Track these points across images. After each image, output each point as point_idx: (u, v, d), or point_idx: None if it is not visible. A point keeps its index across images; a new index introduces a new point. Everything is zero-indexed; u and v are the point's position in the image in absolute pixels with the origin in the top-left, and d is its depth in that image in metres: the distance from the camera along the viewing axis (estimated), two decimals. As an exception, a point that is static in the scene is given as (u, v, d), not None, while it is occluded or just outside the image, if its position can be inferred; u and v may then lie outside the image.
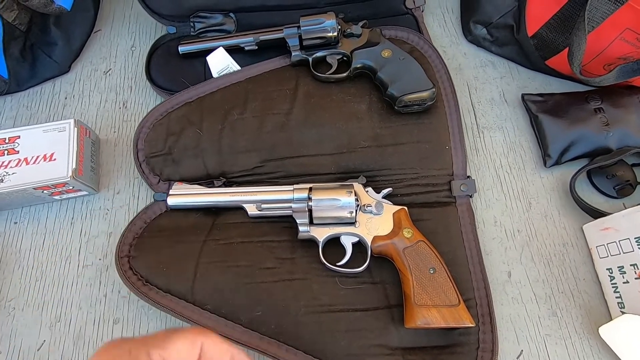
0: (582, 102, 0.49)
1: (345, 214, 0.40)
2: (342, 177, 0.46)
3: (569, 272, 0.45)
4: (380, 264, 0.42)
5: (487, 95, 0.55)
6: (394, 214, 0.41)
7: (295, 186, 0.43)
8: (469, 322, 0.36)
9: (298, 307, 0.39)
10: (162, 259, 0.42)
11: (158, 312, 0.43)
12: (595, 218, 0.45)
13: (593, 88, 0.52)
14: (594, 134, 0.48)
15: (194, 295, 0.40)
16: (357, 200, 0.41)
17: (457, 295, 0.37)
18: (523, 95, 0.53)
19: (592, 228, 0.45)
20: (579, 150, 0.48)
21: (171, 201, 0.44)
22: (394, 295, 0.41)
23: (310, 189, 0.42)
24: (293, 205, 0.42)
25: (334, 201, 0.40)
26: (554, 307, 0.43)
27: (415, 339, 0.39)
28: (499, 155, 0.51)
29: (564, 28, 0.48)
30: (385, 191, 0.43)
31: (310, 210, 0.41)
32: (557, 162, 0.49)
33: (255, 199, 0.43)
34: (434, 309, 0.37)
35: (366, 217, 0.41)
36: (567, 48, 0.47)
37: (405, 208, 0.42)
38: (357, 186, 0.42)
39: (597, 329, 0.40)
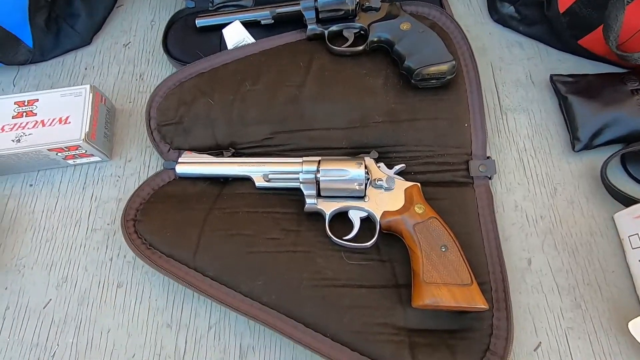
0: (618, 83, 0.46)
1: (354, 186, 0.39)
2: (353, 152, 0.44)
3: (596, 263, 0.41)
4: (390, 242, 0.40)
5: (513, 76, 0.52)
6: (405, 189, 0.39)
7: (305, 158, 0.41)
8: (481, 304, 0.34)
9: (300, 280, 0.38)
10: (167, 224, 0.41)
11: (161, 278, 0.43)
12: (627, 206, 0.41)
13: (628, 70, 0.48)
14: (629, 117, 0.44)
15: (196, 261, 0.40)
16: (367, 174, 0.39)
17: (470, 275, 0.35)
18: (552, 76, 0.49)
19: (625, 216, 0.41)
20: (612, 134, 0.44)
21: (180, 169, 0.44)
22: (403, 275, 0.39)
23: (320, 162, 0.40)
24: (301, 177, 0.40)
25: (342, 172, 0.39)
26: (578, 299, 0.40)
27: (423, 321, 0.37)
28: (523, 138, 0.48)
29: (600, 2, 0.44)
30: (397, 167, 0.41)
31: (318, 182, 0.40)
32: (587, 147, 0.45)
33: (263, 169, 0.42)
34: (444, 287, 0.34)
35: (376, 192, 0.40)
36: (602, 25, 0.44)
37: (419, 184, 0.40)
38: (369, 160, 0.41)
39: (627, 325, 0.36)
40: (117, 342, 0.40)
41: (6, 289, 0.43)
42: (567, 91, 0.47)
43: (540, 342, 0.38)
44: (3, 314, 0.42)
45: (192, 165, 0.44)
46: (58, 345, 0.40)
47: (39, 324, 0.41)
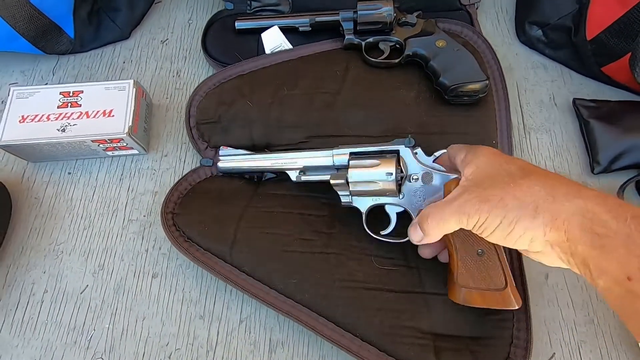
0: (639, 111, 0.48)
1: (385, 186, 0.38)
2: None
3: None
4: (414, 249, 0.41)
5: (537, 97, 0.54)
6: (445, 184, 0.36)
7: (335, 151, 0.41)
8: (511, 305, 0.34)
9: (332, 281, 0.40)
10: (204, 218, 0.43)
11: (195, 271, 0.44)
12: (642, 230, 0.44)
13: (649, 99, 0.50)
14: (648, 144, 0.46)
15: (232, 256, 0.41)
16: (401, 171, 0.38)
17: (505, 277, 0.34)
18: (575, 100, 0.52)
19: (639, 238, 0.43)
20: (631, 160, 0.47)
21: (221, 165, 0.46)
22: (429, 281, 0.41)
23: (349, 160, 0.40)
24: (332, 181, 0.40)
25: (371, 174, 0.38)
26: (591, 315, 0.42)
27: (448, 327, 0.39)
28: (545, 158, 0.50)
29: (627, 33, 0.47)
30: (437, 153, 0.39)
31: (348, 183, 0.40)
32: (606, 170, 0.48)
33: (296, 164, 0.43)
34: (476, 292, 0.35)
35: (413, 188, 0.38)
36: (627, 55, 0.46)
37: (460, 178, 0.36)
38: (404, 151, 0.39)
39: (636, 341, 0.39)
40: (152, 330, 0.42)
41: (44, 272, 0.44)
42: (589, 115, 0.50)
43: (554, 353, 0.41)
44: (42, 297, 0.43)
45: (232, 161, 0.45)
46: (95, 330, 0.42)
47: (76, 308, 0.43)
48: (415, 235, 0.36)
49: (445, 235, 0.36)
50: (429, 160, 0.39)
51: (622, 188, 0.46)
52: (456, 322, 0.39)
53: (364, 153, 0.40)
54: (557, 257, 0.30)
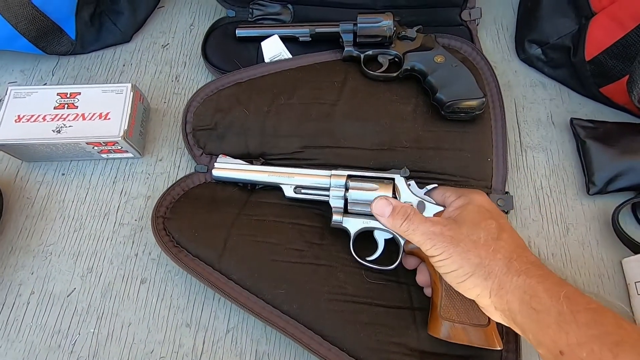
0: (636, 133, 0.48)
1: None
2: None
3: (602, 304, 0.43)
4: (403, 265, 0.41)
5: (534, 115, 0.54)
6: (435, 214, 0.39)
7: (333, 172, 0.42)
8: (495, 345, 0.34)
9: (322, 292, 0.40)
10: (195, 224, 0.43)
11: (183, 278, 0.44)
12: (636, 253, 0.43)
13: (647, 121, 0.50)
14: (644, 167, 0.46)
15: (221, 263, 0.41)
16: (395, 196, 0.40)
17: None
18: (572, 120, 0.51)
19: (633, 263, 0.43)
20: (627, 182, 0.46)
21: (216, 173, 0.45)
22: (418, 299, 0.40)
23: (348, 178, 0.41)
24: (331, 193, 0.41)
25: (370, 193, 0.40)
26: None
27: (435, 345, 0.38)
28: (540, 177, 0.50)
29: (626, 56, 0.47)
30: (429, 187, 0.41)
31: (346, 199, 0.41)
32: (601, 191, 0.47)
33: (293, 180, 0.43)
34: (460, 327, 0.35)
35: None
36: (626, 76, 0.46)
37: None
38: (399, 180, 0.40)
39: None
40: (137, 337, 0.41)
41: (32, 273, 0.44)
42: (586, 136, 0.49)
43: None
44: (27, 299, 0.43)
45: (227, 170, 0.45)
46: (79, 334, 0.41)
47: (62, 311, 0.42)
48: (379, 210, 0.37)
49: (431, 266, 0.37)
50: (420, 192, 0.40)
51: (618, 210, 0.45)
52: (444, 342, 0.38)
53: (362, 177, 0.41)
54: (500, 319, 0.33)
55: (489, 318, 0.35)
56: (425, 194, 0.40)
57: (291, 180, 0.44)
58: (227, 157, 0.46)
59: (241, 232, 0.42)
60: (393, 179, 0.40)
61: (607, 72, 0.49)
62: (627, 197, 0.46)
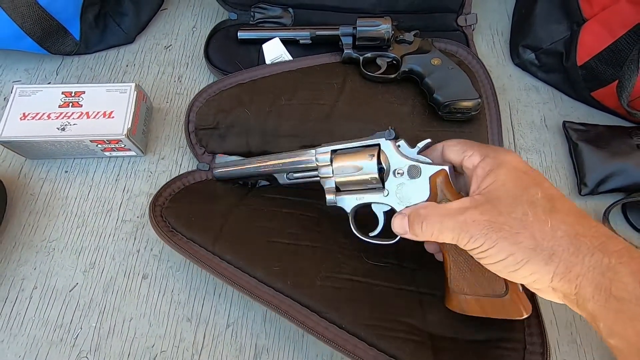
0: (626, 136, 0.49)
1: (369, 180, 0.36)
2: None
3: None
4: (407, 249, 0.38)
5: (528, 118, 0.55)
6: (430, 177, 0.33)
7: (317, 149, 0.39)
8: (516, 315, 0.30)
9: (318, 270, 0.38)
10: (193, 211, 0.43)
11: (184, 273, 0.45)
12: (626, 252, 0.44)
13: (636, 125, 0.52)
14: (634, 169, 0.47)
15: (215, 246, 0.40)
16: (381, 165, 0.35)
17: (505, 283, 0.30)
18: (564, 123, 0.53)
19: (622, 260, 0.44)
20: (617, 183, 0.48)
21: (217, 172, 0.47)
22: (425, 282, 0.39)
23: (332, 158, 0.38)
24: (319, 172, 0.39)
25: (355, 167, 0.36)
26: (574, 334, 0.43)
27: (446, 329, 0.36)
28: (534, 177, 0.51)
29: (616, 61, 0.48)
30: (422, 144, 0.35)
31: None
32: (592, 192, 0.49)
33: (277, 164, 0.42)
34: (472, 300, 0.31)
35: (397, 183, 0.35)
36: (616, 81, 0.48)
37: (447, 168, 0.33)
38: (385, 144, 0.36)
39: (617, 361, 0.39)
40: (138, 331, 0.42)
41: (35, 269, 0.45)
42: (578, 138, 0.51)
43: (536, 370, 0.41)
44: (30, 293, 0.43)
45: (225, 167, 0.46)
46: (81, 328, 0.42)
47: (65, 306, 0.43)
48: (399, 228, 0.33)
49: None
50: (413, 152, 0.36)
51: (608, 210, 0.47)
52: (456, 324, 0.36)
53: (346, 149, 0.38)
54: (559, 300, 0.28)
55: (507, 285, 0.30)
56: (419, 152, 0.35)
57: (280, 166, 0.42)
58: (224, 155, 0.47)
59: (238, 218, 0.43)
60: (378, 145, 0.36)
61: (597, 77, 0.51)
62: (617, 198, 0.48)
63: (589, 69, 0.51)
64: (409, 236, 0.33)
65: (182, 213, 0.43)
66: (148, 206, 0.43)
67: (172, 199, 0.45)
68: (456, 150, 0.33)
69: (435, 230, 0.30)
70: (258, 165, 0.44)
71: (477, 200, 0.29)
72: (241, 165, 0.45)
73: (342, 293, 0.38)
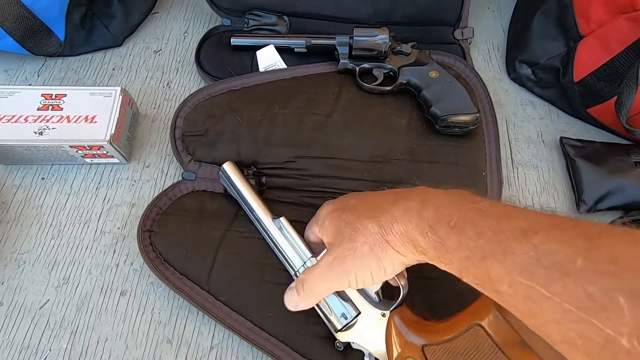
0: (623, 154, 0.49)
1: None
2: (374, 184, 0.45)
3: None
4: None
5: (525, 133, 0.55)
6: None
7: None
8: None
9: (309, 315, 0.38)
10: (183, 241, 0.41)
11: (166, 291, 0.42)
12: (626, 272, 0.43)
13: (632, 143, 0.51)
14: (632, 187, 0.47)
15: (210, 283, 0.39)
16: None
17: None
18: (561, 139, 0.52)
19: (623, 281, 0.43)
20: (616, 201, 0.47)
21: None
22: None
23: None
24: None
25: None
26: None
27: None
28: (532, 194, 0.50)
29: (613, 78, 0.48)
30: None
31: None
32: (591, 210, 0.48)
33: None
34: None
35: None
36: (613, 98, 0.47)
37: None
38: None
39: None
40: (114, 354, 0.39)
41: (2, 283, 0.41)
42: (575, 154, 0.50)
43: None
44: (-5, 310, 0.40)
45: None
46: (50, 350, 0.38)
47: (33, 325, 0.39)
48: (290, 302, 0.35)
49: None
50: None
51: (607, 228, 0.46)
52: None
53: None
54: (421, 257, 0.30)
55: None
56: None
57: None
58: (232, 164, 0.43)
59: (230, 250, 0.41)
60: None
61: (594, 94, 0.50)
62: (615, 216, 0.47)
63: (586, 85, 0.51)
64: (300, 304, 0.35)
65: (172, 243, 0.41)
66: (137, 233, 0.41)
67: (159, 222, 0.43)
68: (309, 235, 0.38)
69: (312, 286, 0.33)
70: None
71: (329, 250, 0.34)
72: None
73: (331, 340, 0.37)
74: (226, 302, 0.39)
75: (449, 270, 0.28)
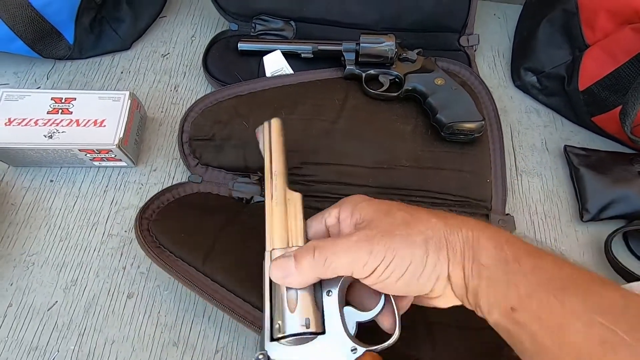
0: (627, 163, 0.49)
1: None
2: (379, 191, 0.45)
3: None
4: None
5: (529, 140, 0.55)
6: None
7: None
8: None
9: None
10: (183, 227, 0.41)
11: (173, 294, 0.42)
12: (628, 281, 0.44)
13: (636, 152, 0.52)
14: (636, 196, 0.47)
15: (205, 266, 0.38)
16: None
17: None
18: (566, 147, 0.53)
19: (626, 290, 0.43)
20: (619, 210, 0.47)
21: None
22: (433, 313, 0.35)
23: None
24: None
25: None
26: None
27: None
28: (535, 202, 0.50)
29: (618, 88, 0.48)
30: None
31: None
32: (594, 218, 0.48)
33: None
34: None
35: None
36: (617, 107, 0.47)
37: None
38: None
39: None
40: (120, 355, 0.39)
41: (11, 284, 0.42)
42: (579, 163, 0.50)
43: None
44: (5, 311, 0.40)
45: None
46: (58, 351, 0.39)
47: (41, 326, 0.40)
48: (280, 271, 0.28)
49: None
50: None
51: (610, 239, 0.46)
52: None
53: None
54: (453, 296, 0.27)
55: None
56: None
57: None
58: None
59: (231, 236, 0.41)
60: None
61: (599, 103, 0.51)
62: (618, 225, 0.47)
63: (591, 94, 0.51)
64: (288, 282, 0.28)
65: (171, 229, 0.41)
66: (135, 219, 0.41)
67: (160, 212, 0.43)
68: (316, 221, 0.32)
69: (329, 254, 0.27)
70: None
71: (359, 228, 0.28)
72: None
73: None
74: (221, 282, 0.38)
75: (483, 304, 0.25)
